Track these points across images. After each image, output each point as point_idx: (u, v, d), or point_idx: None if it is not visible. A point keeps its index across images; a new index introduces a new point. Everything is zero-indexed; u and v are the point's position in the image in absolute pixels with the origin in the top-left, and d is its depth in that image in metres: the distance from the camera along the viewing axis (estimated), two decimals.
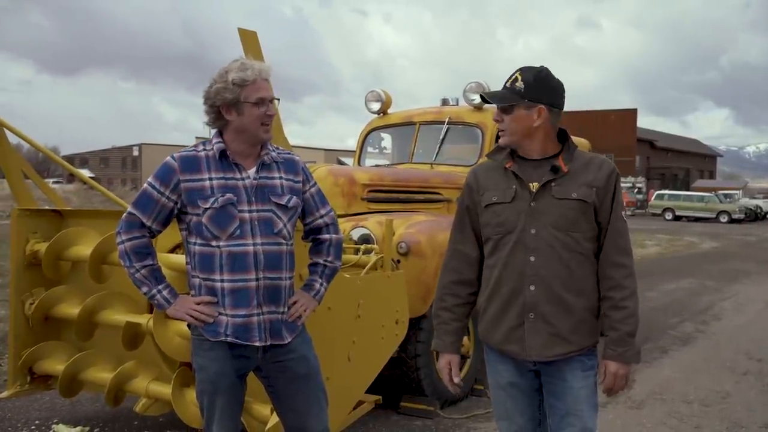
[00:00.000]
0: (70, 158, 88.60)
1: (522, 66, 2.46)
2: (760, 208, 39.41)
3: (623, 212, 2.42)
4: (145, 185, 2.51)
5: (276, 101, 2.59)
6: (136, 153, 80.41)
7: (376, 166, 6.36)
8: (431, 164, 5.99)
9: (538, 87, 2.39)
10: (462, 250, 2.58)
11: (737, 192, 44.00)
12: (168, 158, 2.52)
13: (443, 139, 6.02)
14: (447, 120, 6.03)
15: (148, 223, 2.51)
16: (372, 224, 4.64)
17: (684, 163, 63.37)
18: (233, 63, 2.50)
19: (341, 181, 5.00)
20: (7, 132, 4.12)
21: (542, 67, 2.44)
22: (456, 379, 2.57)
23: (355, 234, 4.62)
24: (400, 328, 4.16)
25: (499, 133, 2.48)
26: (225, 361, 2.53)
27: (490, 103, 2.49)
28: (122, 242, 2.51)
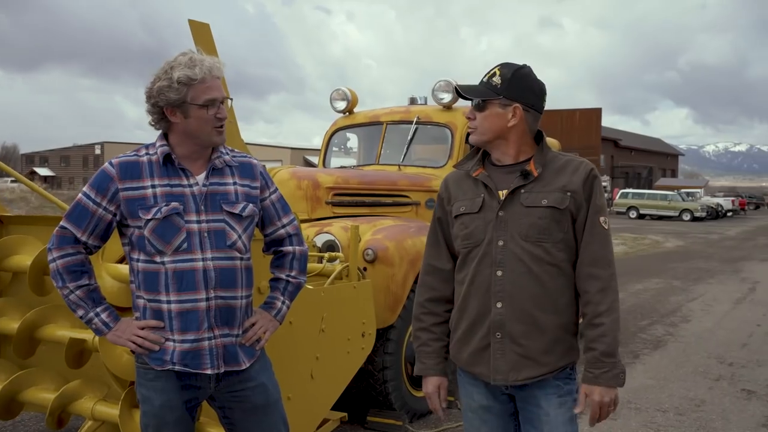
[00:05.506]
0: (29, 156, 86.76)
1: (503, 62, 2.27)
2: (721, 206, 40.09)
3: (603, 218, 2.18)
4: (80, 195, 2.24)
5: (229, 101, 2.33)
6: (98, 151, 78.92)
7: (342, 167, 6.12)
8: (399, 165, 5.77)
9: (516, 84, 2.19)
10: (435, 265, 2.37)
11: (699, 190, 44.73)
12: (106, 164, 2.25)
13: (411, 140, 5.81)
14: (415, 120, 5.81)
15: (83, 238, 2.23)
16: (337, 230, 4.40)
17: (647, 161, 64.27)
18: (180, 57, 2.21)
19: (304, 185, 4.75)
20: None
21: (524, 64, 2.25)
22: (444, 404, 2.37)
23: (319, 240, 4.38)
24: (367, 341, 3.93)
25: (470, 132, 2.28)
26: (172, 393, 2.27)
27: (465, 98, 2.27)
28: (54, 260, 2.23)
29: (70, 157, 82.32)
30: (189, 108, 2.19)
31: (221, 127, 2.26)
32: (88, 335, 3.42)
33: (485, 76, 2.25)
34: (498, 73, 2.21)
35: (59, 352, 3.46)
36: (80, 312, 2.26)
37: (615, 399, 2.17)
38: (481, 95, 2.21)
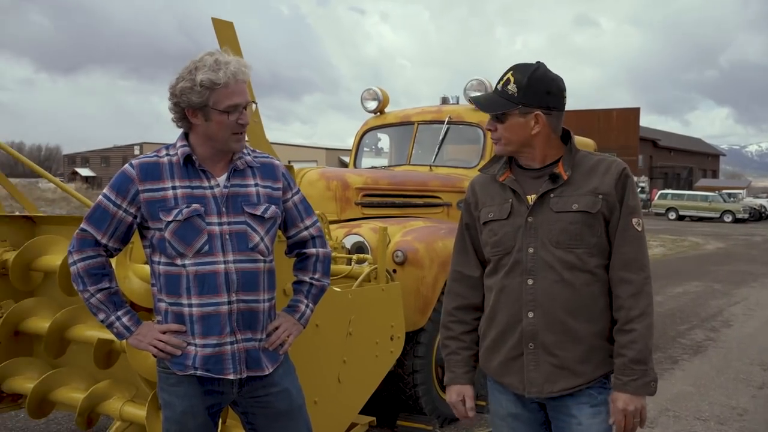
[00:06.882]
0: (71, 157, 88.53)
1: (516, 63, 2.16)
2: (765, 207, 39.13)
3: (636, 219, 2.08)
4: (100, 197, 2.21)
5: (253, 105, 2.27)
6: (137, 152, 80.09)
7: (373, 167, 6.07)
8: (430, 166, 5.69)
9: (532, 89, 2.08)
10: (463, 272, 2.29)
11: (741, 191, 43.73)
12: (126, 165, 2.22)
13: (443, 140, 5.72)
14: (447, 119, 5.72)
15: (104, 241, 2.21)
16: (366, 231, 4.35)
17: (687, 162, 63.00)
18: (207, 57, 2.15)
19: (334, 185, 4.70)
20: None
21: (537, 64, 2.14)
22: (471, 413, 2.29)
23: (348, 241, 4.32)
24: (396, 345, 3.86)
25: (494, 144, 2.19)
26: (194, 398, 2.23)
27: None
28: (74, 263, 2.21)
29: (110, 157, 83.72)
30: (210, 112, 2.15)
31: (241, 133, 2.21)
32: None
33: (499, 82, 2.14)
34: (512, 79, 2.10)
35: (89, 352, 3.47)
36: (101, 316, 2.23)
37: (642, 409, 2.07)
38: (498, 108, 2.11)
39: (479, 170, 2.32)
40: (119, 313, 2.23)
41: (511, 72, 2.12)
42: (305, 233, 2.43)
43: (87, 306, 2.24)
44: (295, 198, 2.40)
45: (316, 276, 2.44)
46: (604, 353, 2.11)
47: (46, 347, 3.59)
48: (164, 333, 2.20)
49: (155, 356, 2.27)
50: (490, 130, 2.18)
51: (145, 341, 2.21)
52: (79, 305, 3.59)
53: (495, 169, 2.23)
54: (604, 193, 2.07)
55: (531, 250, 2.10)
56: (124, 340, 2.31)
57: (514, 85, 2.09)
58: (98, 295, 2.21)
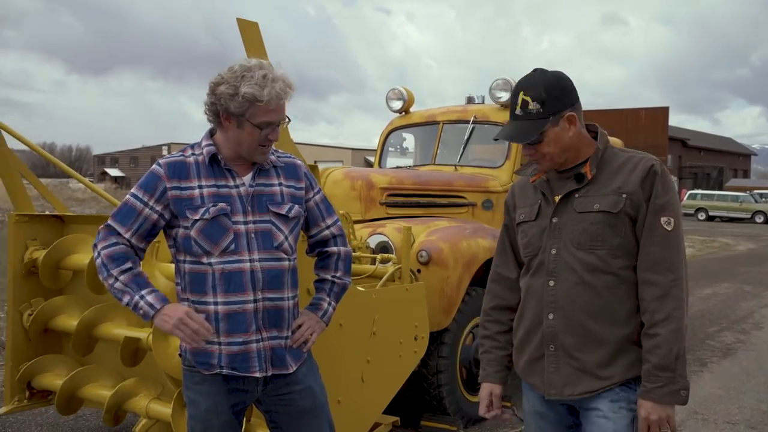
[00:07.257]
0: (101, 158, 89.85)
1: (518, 83, 2.10)
2: None
3: (665, 218, 2.00)
4: (128, 195, 2.23)
5: (286, 120, 2.26)
6: (165, 152, 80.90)
7: (398, 167, 6.06)
8: (455, 166, 5.67)
9: (552, 96, 2.04)
10: (502, 273, 2.31)
11: None
12: (154, 165, 2.25)
13: (468, 140, 5.69)
14: (472, 119, 5.69)
15: (127, 236, 2.19)
16: (390, 231, 4.34)
17: (717, 161, 62.00)
18: (256, 69, 2.13)
19: (358, 185, 4.71)
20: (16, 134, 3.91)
21: (537, 70, 2.10)
22: (494, 412, 2.30)
23: (373, 241, 4.32)
24: (420, 345, 3.86)
25: (536, 163, 2.14)
26: (218, 397, 2.24)
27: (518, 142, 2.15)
28: (98, 254, 2.18)
29: (138, 158, 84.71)
30: (244, 122, 2.16)
31: (267, 146, 2.23)
32: (142, 334, 3.46)
33: (517, 107, 2.07)
34: (528, 99, 2.05)
35: (116, 350, 3.51)
36: (126, 299, 2.13)
37: (668, 419, 1.99)
38: (535, 132, 2.05)
39: (515, 173, 2.32)
40: (143, 292, 2.13)
41: (522, 92, 2.07)
42: (326, 232, 2.44)
43: (112, 293, 2.17)
44: (317, 197, 2.41)
45: (338, 274, 2.46)
46: (635, 357, 2.05)
47: (74, 345, 3.65)
48: (191, 318, 2.09)
49: (181, 354, 2.28)
50: (529, 155, 2.12)
51: (171, 323, 2.08)
52: (107, 303, 3.64)
53: (528, 170, 2.24)
54: (629, 192, 2.02)
55: (554, 251, 2.09)
56: (151, 338, 2.31)
57: (535, 103, 2.04)
58: (122, 277, 2.13)
